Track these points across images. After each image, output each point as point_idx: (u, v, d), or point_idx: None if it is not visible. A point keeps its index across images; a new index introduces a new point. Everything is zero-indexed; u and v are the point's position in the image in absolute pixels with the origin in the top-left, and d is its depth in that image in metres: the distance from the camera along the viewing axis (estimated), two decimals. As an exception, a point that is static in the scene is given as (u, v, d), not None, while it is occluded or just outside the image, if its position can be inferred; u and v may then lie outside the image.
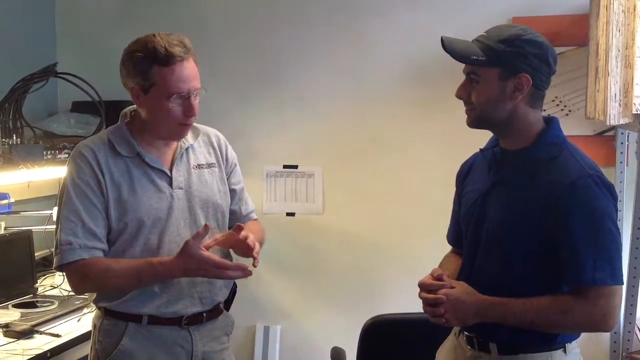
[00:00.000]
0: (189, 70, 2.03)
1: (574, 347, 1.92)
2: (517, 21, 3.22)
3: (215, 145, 2.27)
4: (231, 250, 2.21)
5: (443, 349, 2.13)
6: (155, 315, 2.11)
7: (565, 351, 1.89)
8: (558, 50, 3.11)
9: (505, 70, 1.83)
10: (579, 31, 3.21)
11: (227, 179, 2.28)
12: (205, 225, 1.99)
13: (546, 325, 1.83)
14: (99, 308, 2.18)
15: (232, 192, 2.29)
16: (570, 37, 3.25)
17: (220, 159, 2.27)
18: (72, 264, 2.04)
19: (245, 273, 2.02)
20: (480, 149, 2.05)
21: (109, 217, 2.07)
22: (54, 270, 3.26)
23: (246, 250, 2.08)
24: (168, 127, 2.08)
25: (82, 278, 2.08)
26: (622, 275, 1.82)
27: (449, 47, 1.84)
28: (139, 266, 2.03)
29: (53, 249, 2.09)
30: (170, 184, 2.13)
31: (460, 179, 2.13)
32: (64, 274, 2.11)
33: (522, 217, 1.84)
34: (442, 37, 1.84)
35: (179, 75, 2.00)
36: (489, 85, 1.84)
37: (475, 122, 1.91)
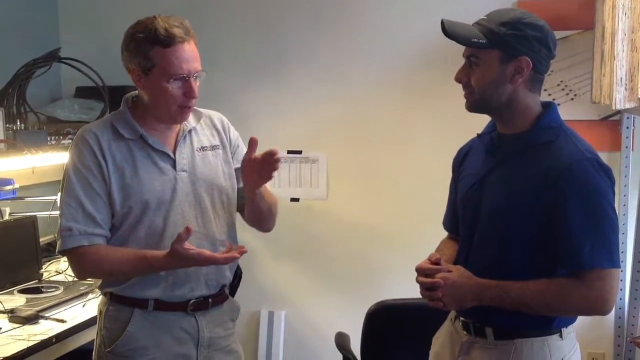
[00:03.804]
0: (190, 52, 2.02)
1: (570, 331, 1.92)
2: (523, 5, 3.20)
3: (219, 127, 2.26)
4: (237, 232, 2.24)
5: (439, 335, 2.13)
6: (161, 300, 2.11)
7: (561, 336, 1.89)
8: (564, 34, 3.16)
9: (505, 53, 1.82)
10: (584, 15, 3.18)
11: (232, 159, 2.27)
12: (187, 228, 1.95)
13: (543, 308, 1.83)
14: (104, 294, 2.18)
15: (237, 171, 2.27)
16: (576, 21, 3.22)
17: (225, 140, 2.26)
18: (72, 250, 2.05)
19: (237, 255, 2.02)
20: (477, 134, 2.05)
21: (113, 201, 2.07)
22: (58, 256, 3.28)
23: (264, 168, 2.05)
24: (168, 110, 2.07)
25: (81, 265, 2.10)
26: (619, 258, 1.82)
27: (450, 29, 1.83)
28: (135, 259, 2.04)
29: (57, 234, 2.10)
30: (174, 166, 2.12)
31: (457, 164, 2.13)
32: (67, 259, 2.12)
33: (519, 201, 1.84)
34: (442, 20, 1.83)
35: (179, 56, 2.00)
36: (489, 68, 1.84)
37: (474, 105, 1.91)
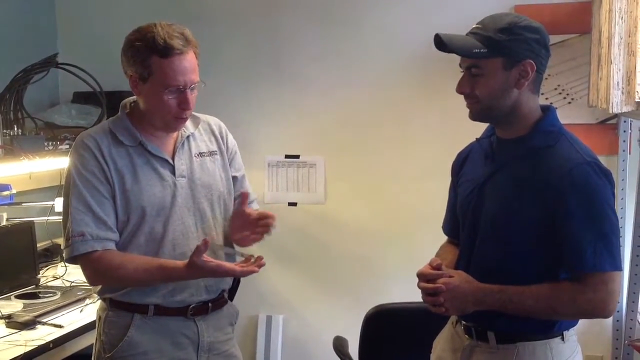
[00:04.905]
0: (187, 63, 2.01)
1: (571, 334, 1.92)
2: (520, 9, 3.20)
3: (217, 133, 2.27)
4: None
5: (440, 339, 2.13)
6: (161, 305, 2.11)
7: (563, 339, 1.89)
8: (560, 38, 3.17)
9: (508, 59, 1.82)
10: (581, 19, 3.19)
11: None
12: (205, 240, 1.96)
13: (545, 312, 1.83)
14: (103, 299, 2.17)
15: (234, 179, 2.28)
16: (573, 25, 3.23)
17: (223, 146, 2.26)
18: (85, 256, 2.03)
19: (254, 269, 2.03)
20: (476, 139, 2.05)
21: (116, 206, 2.07)
22: (56, 261, 3.28)
23: (252, 227, 2.12)
24: (163, 119, 2.08)
25: (95, 271, 2.08)
26: (621, 261, 1.82)
27: (448, 43, 1.82)
28: (153, 269, 2.03)
29: (63, 241, 2.08)
30: (173, 172, 2.13)
31: (456, 169, 2.13)
32: (79, 265, 2.09)
33: (520, 206, 1.84)
34: (438, 34, 1.82)
35: (176, 67, 1.99)
36: (494, 76, 1.83)
37: (481, 114, 1.90)
